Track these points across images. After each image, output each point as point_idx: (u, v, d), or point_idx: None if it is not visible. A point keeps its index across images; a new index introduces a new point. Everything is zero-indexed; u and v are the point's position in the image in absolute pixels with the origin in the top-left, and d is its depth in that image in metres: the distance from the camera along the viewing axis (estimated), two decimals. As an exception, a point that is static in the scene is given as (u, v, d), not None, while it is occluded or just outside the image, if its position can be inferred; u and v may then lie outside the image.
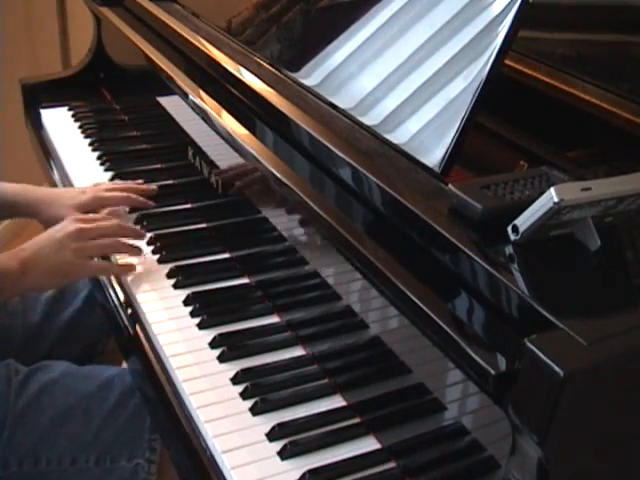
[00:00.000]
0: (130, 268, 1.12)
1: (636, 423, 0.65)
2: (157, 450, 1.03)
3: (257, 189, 1.07)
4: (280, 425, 0.86)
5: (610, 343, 0.61)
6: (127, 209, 1.26)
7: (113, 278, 1.14)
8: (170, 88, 1.25)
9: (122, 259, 1.15)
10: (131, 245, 1.14)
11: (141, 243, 1.17)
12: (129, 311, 1.08)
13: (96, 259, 1.13)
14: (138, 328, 1.04)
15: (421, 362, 0.78)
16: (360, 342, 0.88)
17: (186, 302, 1.06)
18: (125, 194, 1.24)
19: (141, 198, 1.25)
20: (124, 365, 1.16)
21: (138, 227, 1.22)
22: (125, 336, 1.07)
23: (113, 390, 1.06)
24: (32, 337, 1.23)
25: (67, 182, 1.42)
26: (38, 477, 1.02)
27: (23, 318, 1.24)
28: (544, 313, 0.62)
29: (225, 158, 1.14)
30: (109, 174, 1.41)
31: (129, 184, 1.29)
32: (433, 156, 0.82)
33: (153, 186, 1.28)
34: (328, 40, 1.03)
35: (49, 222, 1.18)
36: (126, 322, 1.07)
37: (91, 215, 1.16)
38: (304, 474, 0.81)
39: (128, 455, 1.03)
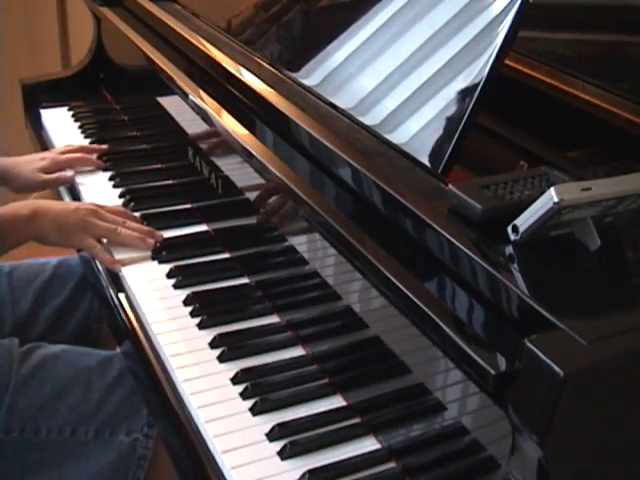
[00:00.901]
0: (114, 262, 1.14)
1: (636, 423, 0.65)
2: (154, 425, 1.04)
3: (258, 190, 1.07)
4: (280, 425, 0.86)
5: (610, 343, 0.61)
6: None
7: (113, 278, 1.14)
8: (170, 88, 1.25)
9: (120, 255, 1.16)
10: (133, 237, 1.16)
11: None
12: (129, 311, 1.08)
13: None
14: (137, 327, 1.04)
15: (421, 362, 0.78)
16: (360, 342, 0.88)
17: (186, 302, 1.06)
18: (79, 155, 1.42)
19: (94, 158, 1.43)
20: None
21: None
22: (125, 336, 1.06)
23: (113, 366, 1.08)
24: (22, 326, 1.26)
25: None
26: (39, 447, 1.04)
27: (12, 308, 1.27)
28: (544, 313, 0.62)
29: (225, 158, 1.14)
30: (109, 174, 1.41)
31: (82, 145, 1.48)
32: (433, 156, 0.82)
33: (104, 146, 1.47)
34: (328, 40, 1.03)
35: (20, 190, 1.40)
36: (126, 322, 1.07)
37: (109, 207, 1.23)
38: (304, 474, 0.81)
39: (127, 429, 1.04)
